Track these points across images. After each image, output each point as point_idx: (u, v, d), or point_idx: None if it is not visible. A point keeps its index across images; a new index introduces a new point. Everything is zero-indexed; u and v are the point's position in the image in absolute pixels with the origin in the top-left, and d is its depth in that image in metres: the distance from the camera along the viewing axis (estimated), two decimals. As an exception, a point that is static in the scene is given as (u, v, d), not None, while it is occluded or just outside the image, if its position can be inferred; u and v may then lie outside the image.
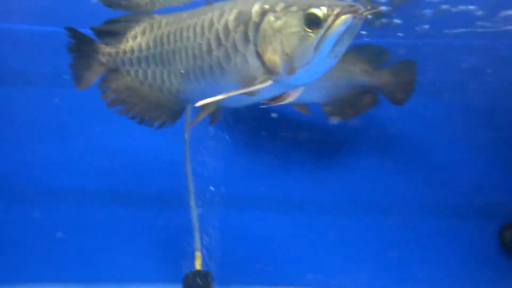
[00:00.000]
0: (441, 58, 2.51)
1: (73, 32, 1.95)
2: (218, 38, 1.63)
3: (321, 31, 1.41)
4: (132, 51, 1.91)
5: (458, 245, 2.58)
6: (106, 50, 1.94)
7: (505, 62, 2.48)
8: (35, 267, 2.62)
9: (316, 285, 2.61)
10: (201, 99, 1.55)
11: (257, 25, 1.54)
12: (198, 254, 2.41)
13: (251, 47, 1.55)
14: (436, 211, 2.60)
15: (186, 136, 2.45)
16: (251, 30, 1.54)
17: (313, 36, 1.42)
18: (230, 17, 1.61)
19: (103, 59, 1.95)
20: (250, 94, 1.60)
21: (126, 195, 2.67)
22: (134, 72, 1.91)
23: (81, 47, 1.95)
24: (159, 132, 2.47)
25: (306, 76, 1.52)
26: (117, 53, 1.92)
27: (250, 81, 1.58)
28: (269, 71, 1.53)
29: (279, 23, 1.48)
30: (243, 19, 1.58)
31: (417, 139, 2.51)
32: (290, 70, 1.48)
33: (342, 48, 1.46)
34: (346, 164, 2.68)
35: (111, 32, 1.96)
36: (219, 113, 1.84)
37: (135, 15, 1.99)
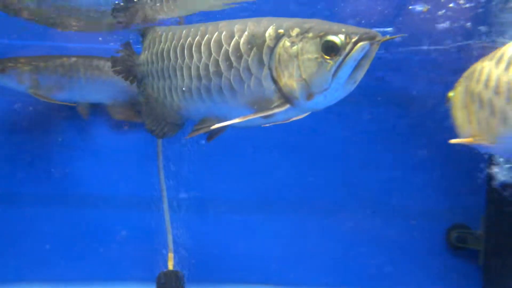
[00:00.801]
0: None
1: (127, 47, 2.02)
2: (228, 60, 1.59)
3: (339, 58, 1.40)
4: (140, 64, 1.96)
5: (410, 244, 2.66)
6: (137, 61, 1.99)
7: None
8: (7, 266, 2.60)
9: (279, 280, 2.66)
10: (205, 117, 1.62)
11: (272, 49, 1.51)
12: (170, 255, 2.47)
13: (266, 71, 1.52)
14: (390, 214, 2.66)
15: (159, 141, 2.48)
16: (265, 54, 1.51)
17: (331, 62, 1.40)
18: (242, 39, 1.57)
19: (135, 69, 2.01)
20: (267, 116, 1.56)
21: (102, 199, 2.68)
22: (148, 84, 1.94)
23: (129, 60, 2.01)
24: (132, 138, 2.61)
25: (325, 101, 1.49)
26: (132, 66, 1.99)
27: (265, 104, 1.54)
28: (286, 96, 1.50)
29: (294, 48, 1.46)
30: (256, 43, 1.55)
31: (362, 146, 2.60)
32: (308, 95, 1.46)
33: (361, 73, 1.44)
34: (300, 165, 2.69)
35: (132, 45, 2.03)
36: (220, 131, 1.79)
37: (145, 28, 2.03)
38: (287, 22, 1.51)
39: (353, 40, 1.37)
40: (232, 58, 1.58)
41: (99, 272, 2.65)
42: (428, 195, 2.64)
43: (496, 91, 1.47)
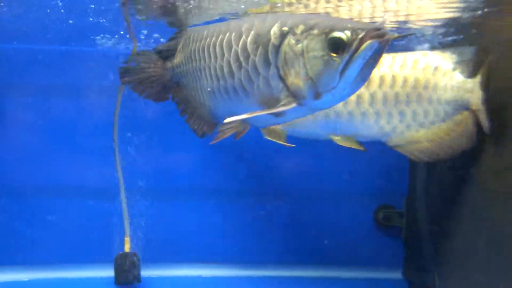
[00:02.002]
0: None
1: (144, 54, 1.97)
2: (238, 60, 1.54)
3: (346, 55, 1.31)
4: (178, 65, 1.90)
5: (342, 224, 2.82)
6: (166, 65, 1.94)
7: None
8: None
9: (224, 259, 2.81)
10: (229, 116, 1.51)
11: (277, 48, 1.44)
12: (127, 239, 2.63)
13: (273, 70, 1.45)
14: (323, 196, 2.80)
15: (115, 133, 2.57)
16: (271, 53, 1.45)
17: (337, 60, 1.32)
18: (249, 39, 1.51)
19: (167, 74, 1.95)
20: (277, 115, 1.51)
21: (66, 188, 2.73)
22: (186, 85, 1.88)
23: (149, 67, 1.95)
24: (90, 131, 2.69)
25: (333, 100, 1.43)
26: (173, 67, 1.92)
27: (274, 103, 1.48)
28: (293, 95, 1.43)
29: (300, 46, 1.38)
30: (261, 41, 1.47)
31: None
32: (316, 94, 1.38)
33: (368, 71, 1.35)
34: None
35: (170, 49, 1.95)
36: (245, 130, 1.71)
37: (181, 30, 1.95)
38: (292, 19, 1.44)
39: (360, 36, 1.29)
40: (241, 59, 1.53)
41: (63, 256, 2.72)
42: (358, 180, 2.76)
43: None
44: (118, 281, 2.59)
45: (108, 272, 2.62)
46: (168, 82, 1.97)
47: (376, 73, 1.93)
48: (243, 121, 1.62)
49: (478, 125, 1.87)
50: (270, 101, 1.50)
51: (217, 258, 2.84)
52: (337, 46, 1.32)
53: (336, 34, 1.32)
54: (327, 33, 1.34)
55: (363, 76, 1.37)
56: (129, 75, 1.99)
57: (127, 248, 2.63)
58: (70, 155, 2.72)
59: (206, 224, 2.84)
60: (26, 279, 2.68)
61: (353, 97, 1.94)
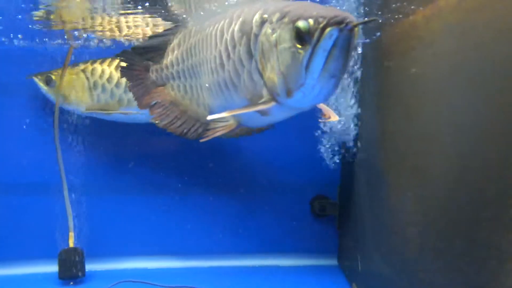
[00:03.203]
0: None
1: (126, 55, 1.84)
2: (227, 50, 1.41)
3: (309, 47, 1.18)
4: (172, 65, 1.74)
5: (280, 215, 2.89)
6: (153, 67, 1.80)
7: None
8: None
9: (168, 251, 2.89)
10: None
11: (257, 38, 1.31)
12: (71, 234, 2.65)
13: (254, 63, 1.33)
14: (262, 188, 2.89)
15: (56, 133, 2.60)
16: (253, 43, 1.32)
17: (302, 53, 1.19)
18: (236, 26, 1.37)
19: (153, 76, 1.81)
20: (263, 113, 1.40)
21: (9, 186, 2.77)
22: (177, 86, 1.74)
23: (135, 69, 1.82)
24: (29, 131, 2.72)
25: (305, 99, 1.28)
26: (162, 68, 1.78)
27: (258, 99, 1.36)
28: (270, 91, 1.31)
29: (274, 36, 1.25)
30: (245, 30, 1.34)
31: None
32: (288, 91, 1.26)
33: (337, 66, 1.20)
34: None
35: (153, 48, 1.82)
36: (241, 131, 1.68)
37: (175, 27, 1.82)
38: (276, 5, 1.29)
39: (321, 25, 1.15)
40: (229, 48, 1.40)
41: (6, 252, 2.77)
42: (295, 172, 2.85)
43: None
44: (61, 276, 2.65)
45: (52, 268, 2.68)
46: (151, 85, 1.84)
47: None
48: (236, 120, 1.51)
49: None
50: (254, 98, 1.38)
51: (162, 250, 2.91)
52: (302, 36, 1.19)
53: (300, 23, 1.18)
54: (294, 22, 1.21)
55: (332, 72, 1.21)
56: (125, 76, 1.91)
57: (71, 243, 2.68)
58: (10, 151, 2.77)
59: (149, 218, 2.90)
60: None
61: None
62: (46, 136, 2.69)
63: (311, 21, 1.17)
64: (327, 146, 2.67)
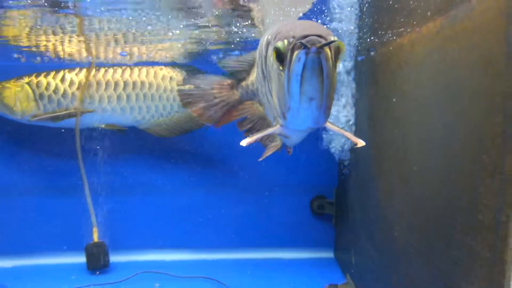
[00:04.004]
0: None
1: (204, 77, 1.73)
2: (262, 71, 1.29)
3: (286, 69, 1.05)
4: (253, 83, 1.62)
5: (283, 213, 2.93)
6: (241, 83, 1.66)
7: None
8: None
9: (181, 245, 2.92)
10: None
11: (265, 60, 1.21)
12: (95, 229, 2.72)
13: (267, 85, 1.25)
14: (267, 189, 2.91)
15: (77, 141, 2.63)
16: (264, 65, 1.24)
17: (282, 75, 1.07)
18: (262, 46, 1.25)
19: (237, 93, 1.67)
20: (284, 135, 1.32)
21: (40, 188, 2.85)
22: (260, 100, 1.59)
23: (213, 88, 1.68)
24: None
25: (296, 122, 1.15)
26: (247, 85, 1.65)
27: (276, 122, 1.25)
28: (276, 114, 1.21)
29: (270, 58, 1.12)
30: (260, 52, 1.27)
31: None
32: (282, 114, 1.14)
33: (312, 89, 1.04)
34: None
35: (238, 65, 1.68)
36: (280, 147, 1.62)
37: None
38: (284, 24, 1.14)
39: (291, 47, 1.02)
40: (258, 71, 1.33)
41: (40, 245, 2.84)
42: (297, 174, 2.88)
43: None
44: (89, 267, 2.72)
45: (81, 259, 2.75)
46: (235, 103, 1.70)
47: (129, 80, 2.55)
48: (281, 141, 1.51)
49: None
50: (275, 120, 1.28)
51: (176, 244, 2.95)
52: (281, 58, 1.06)
53: (278, 43, 1.06)
54: (276, 43, 1.08)
55: (308, 94, 1.06)
56: (190, 98, 1.79)
57: (95, 237, 2.75)
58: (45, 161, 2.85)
59: (165, 216, 2.94)
60: (10, 266, 2.79)
61: (114, 97, 2.52)
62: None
63: (285, 41, 1.04)
64: (326, 152, 2.69)
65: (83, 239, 2.72)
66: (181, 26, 2.17)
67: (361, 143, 1.32)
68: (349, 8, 1.99)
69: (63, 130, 2.72)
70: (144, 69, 2.61)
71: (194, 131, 2.74)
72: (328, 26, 2.21)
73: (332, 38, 1.04)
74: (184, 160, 2.89)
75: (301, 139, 1.49)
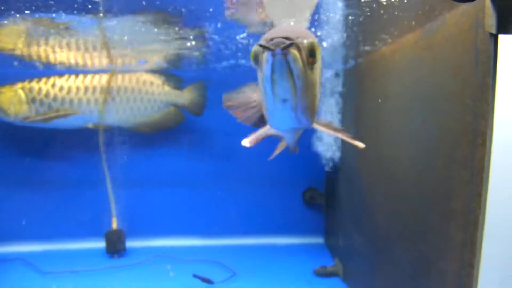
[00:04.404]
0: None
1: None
2: None
3: (259, 71, 0.99)
4: None
5: (277, 203, 2.91)
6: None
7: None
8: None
9: (190, 233, 2.91)
10: None
11: None
12: (114, 219, 2.73)
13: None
14: (262, 180, 2.87)
15: (100, 138, 2.66)
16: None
17: (260, 76, 0.99)
18: None
19: None
20: (280, 135, 1.25)
21: (65, 180, 2.83)
22: None
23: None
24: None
25: (276, 123, 1.07)
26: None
27: None
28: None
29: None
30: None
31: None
32: (266, 114, 1.08)
33: (283, 91, 0.95)
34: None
35: None
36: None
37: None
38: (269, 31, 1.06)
39: (261, 49, 0.94)
40: None
41: (64, 232, 2.83)
42: (290, 167, 2.82)
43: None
44: (108, 251, 2.72)
45: (101, 244, 2.76)
46: None
47: (115, 84, 2.59)
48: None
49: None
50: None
51: (185, 231, 2.95)
52: (256, 60, 0.99)
53: (254, 46, 0.97)
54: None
55: (280, 96, 0.96)
56: (231, 101, 1.58)
57: (114, 226, 2.75)
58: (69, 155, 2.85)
59: (176, 205, 2.92)
60: (40, 250, 2.80)
61: (100, 99, 2.54)
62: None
63: (258, 45, 0.95)
64: (318, 148, 2.67)
65: (104, 227, 2.74)
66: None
67: (360, 145, 1.23)
68: (337, 19, 1.98)
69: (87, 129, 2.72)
70: (127, 76, 2.65)
71: (195, 131, 2.83)
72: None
73: (306, 41, 0.95)
74: (193, 156, 2.89)
75: (294, 139, 1.39)
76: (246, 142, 1.22)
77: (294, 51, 0.93)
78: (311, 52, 0.97)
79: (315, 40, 0.99)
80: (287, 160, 2.79)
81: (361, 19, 1.85)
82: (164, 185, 2.90)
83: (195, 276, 2.35)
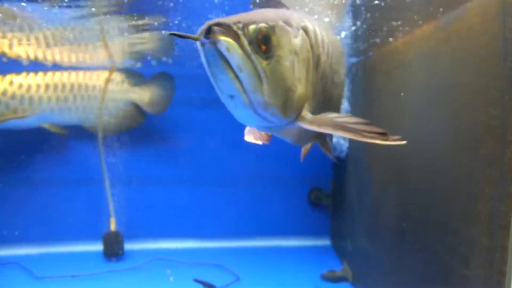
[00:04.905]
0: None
1: None
2: None
3: None
4: None
5: (283, 204, 2.86)
6: None
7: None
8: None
9: (189, 235, 2.85)
10: None
11: None
12: (112, 219, 2.68)
13: None
14: (268, 181, 2.83)
15: (100, 137, 2.60)
16: None
17: None
18: None
19: None
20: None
21: (62, 180, 2.76)
22: None
23: None
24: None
25: (242, 121, 0.97)
26: None
27: None
28: None
29: None
30: None
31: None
32: None
33: (223, 85, 0.85)
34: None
35: None
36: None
37: None
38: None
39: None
40: None
41: (60, 234, 2.77)
42: (295, 168, 2.74)
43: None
44: (106, 254, 2.66)
45: (99, 247, 2.69)
46: None
47: (74, 82, 2.51)
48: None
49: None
50: None
51: (185, 233, 2.90)
52: None
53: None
54: None
55: (225, 91, 0.86)
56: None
57: (112, 227, 2.69)
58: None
59: (176, 207, 2.87)
60: (36, 253, 2.74)
61: (62, 97, 2.47)
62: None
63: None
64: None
65: (101, 228, 2.68)
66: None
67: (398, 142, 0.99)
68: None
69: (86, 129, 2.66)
70: (87, 72, 2.56)
71: (194, 130, 2.77)
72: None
73: (253, 26, 0.82)
74: (194, 155, 2.83)
75: (292, 139, 1.19)
76: (248, 138, 1.18)
77: (226, 39, 0.80)
78: (264, 39, 0.84)
79: (276, 24, 0.86)
80: (291, 160, 2.71)
81: (370, 10, 1.78)
82: (164, 186, 2.85)
83: (196, 280, 2.29)
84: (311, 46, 0.96)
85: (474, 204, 1.09)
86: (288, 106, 0.91)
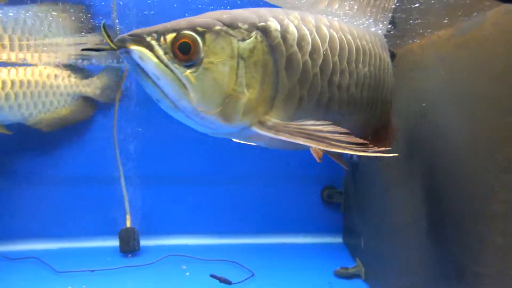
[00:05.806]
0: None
1: None
2: None
3: None
4: None
5: (296, 202, 2.92)
6: None
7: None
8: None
9: (204, 231, 2.92)
10: None
11: None
12: (128, 216, 2.77)
13: None
14: (282, 179, 2.88)
15: (115, 132, 2.70)
16: None
17: None
18: None
19: None
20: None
21: (79, 177, 2.85)
22: None
23: None
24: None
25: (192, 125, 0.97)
26: None
27: None
28: None
29: None
30: None
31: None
32: None
33: (149, 91, 0.89)
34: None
35: None
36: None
37: None
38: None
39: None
40: None
41: (78, 230, 2.86)
42: (308, 166, 2.85)
43: None
44: (122, 250, 2.74)
45: (115, 243, 2.78)
46: None
47: (16, 79, 2.46)
48: None
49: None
50: None
51: (200, 229, 2.96)
52: None
53: None
54: None
55: (152, 96, 0.90)
56: None
57: (128, 223, 2.78)
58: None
59: (191, 204, 2.94)
60: (55, 248, 2.83)
61: (3, 94, 2.42)
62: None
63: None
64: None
65: (117, 225, 2.77)
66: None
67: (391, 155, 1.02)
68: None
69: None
70: (29, 69, 2.50)
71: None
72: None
73: (172, 34, 0.84)
74: (208, 153, 2.87)
75: (266, 144, 1.15)
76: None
77: (138, 48, 0.83)
78: (181, 48, 0.85)
79: (209, 29, 0.86)
80: (304, 158, 2.83)
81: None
82: (179, 183, 2.91)
83: (212, 276, 2.36)
84: (274, 47, 0.93)
85: (489, 206, 1.17)
86: (230, 113, 0.90)
